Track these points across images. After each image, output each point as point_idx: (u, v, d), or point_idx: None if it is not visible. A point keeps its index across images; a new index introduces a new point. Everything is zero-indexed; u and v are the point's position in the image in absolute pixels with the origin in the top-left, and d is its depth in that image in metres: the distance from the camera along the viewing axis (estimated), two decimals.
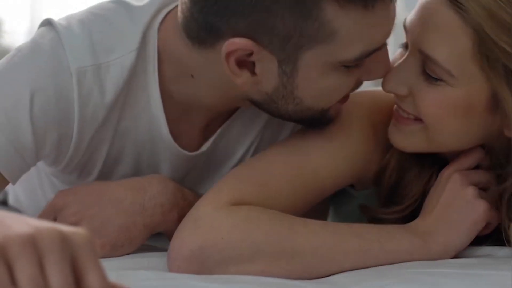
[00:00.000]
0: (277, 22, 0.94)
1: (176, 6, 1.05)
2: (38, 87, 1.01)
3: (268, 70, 0.99)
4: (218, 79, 1.03)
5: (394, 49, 1.09)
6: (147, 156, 1.12)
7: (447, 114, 1.00)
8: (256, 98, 1.03)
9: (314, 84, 1.00)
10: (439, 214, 1.03)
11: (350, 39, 0.96)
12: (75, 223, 1.04)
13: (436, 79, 1.00)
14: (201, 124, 1.12)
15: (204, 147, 1.14)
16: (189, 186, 1.13)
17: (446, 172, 1.06)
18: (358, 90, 1.09)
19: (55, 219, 1.07)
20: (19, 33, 2.73)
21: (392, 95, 1.06)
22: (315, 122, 1.07)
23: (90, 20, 1.05)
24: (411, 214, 1.08)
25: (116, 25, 1.06)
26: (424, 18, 1.00)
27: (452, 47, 0.98)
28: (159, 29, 1.06)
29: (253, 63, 0.98)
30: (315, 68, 0.98)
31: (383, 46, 1.00)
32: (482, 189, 1.05)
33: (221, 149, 1.16)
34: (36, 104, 1.01)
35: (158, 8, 1.07)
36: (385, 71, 1.03)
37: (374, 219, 1.10)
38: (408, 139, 1.05)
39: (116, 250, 1.04)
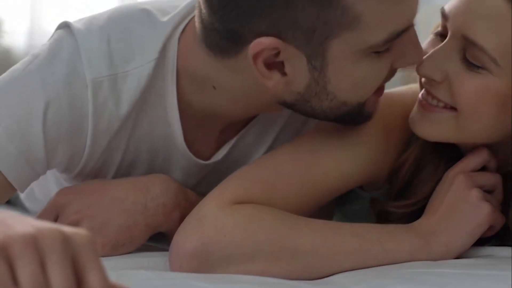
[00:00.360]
0: (298, 15, 0.92)
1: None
2: (52, 97, 1.00)
3: (297, 67, 0.97)
4: (242, 88, 1.01)
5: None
6: (160, 163, 1.11)
7: (485, 103, 0.98)
8: (288, 99, 1.01)
9: (346, 75, 0.97)
10: (442, 214, 1.03)
11: (375, 21, 0.93)
12: (76, 222, 1.04)
13: (478, 67, 0.98)
14: (216, 132, 1.11)
15: (219, 156, 1.13)
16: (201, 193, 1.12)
17: (451, 173, 1.05)
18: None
19: (56, 217, 1.07)
20: (19, 33, 2.73)
21: (407, 95, 1.06)
22: (355, 119, 1.04)
23: (110, 28, 1.04)
24: (419, 210, 1.07)
25: (137, 34, 1.04)
26: (472, 4, 0.98)
27: (501, 36, 0.96)
28: (179, 39, 1.05)
29: (282, 63, 0.97)
30: (344, 58, 0.96)
31: (410, 27, 0.97)
32: (487, 192, 1.04)
33: (236, 158, 1.15)
34: (50, 114, 1.00)
35: (180, 19, 1.05)
36: (419, 55, 1.00)
37: (382, 214, 1.09)
38: (435, 127, 1.03)
39: (117, 249, 1.04)
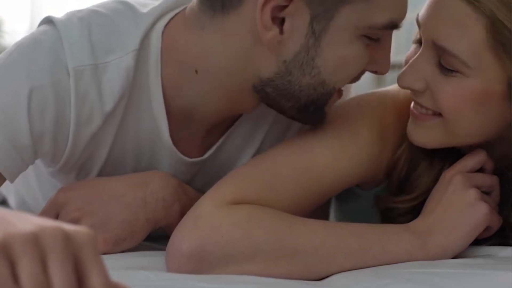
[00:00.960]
0: None
1: (184, 9, 1.05)
2: (36, 84, 1.00)
3: (297, 27, 0.98)
4: (225, 66, 1.02)
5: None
6: (146, 160, 1.12)
7: (465, 105, 1.00)
8: (270, 73, 1.02)
9: (337, 50, 0.99)
10: (439, 215, 1.03)
11: (384, 3, 0.98)
12: (77, 219, 1.05)
13: (452, 71, 0.99)
14: (202, 132, 1.12)
15: (206, 155, 1.14)
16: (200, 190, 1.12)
17: (448, 173, 1.06)
18: (364, 92, 1.09)
19: (57, 216, 1.07)
20: (19, 33, 2.73)
21: (400, 94, 1.07)
22: (314, 115, 1.06)
23: (91, 19, 1.05)
24: (422, 205, 1.08)
25: (118, 26, 1.05)
26: (437, 11, 1.00)
27: (467, 38, 0.97)
28: (163, 32, 1.06)
29: (283, 21, 0.98)
30: (343, 31, 0.98)
31: (395, 28, 1.01)
32: (485, 193, 1.05)
33: (223, 159, 1.15)
34: (34, 101, 1.00)
35: (162, 12, 1.06)
36: (386, 66, 1.04)
37: (387, 211, 1.10)
38: (427, 134, 1.05)
39: (119, 245, 1.05)
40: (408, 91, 1.08)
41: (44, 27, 1.05)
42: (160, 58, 1.05)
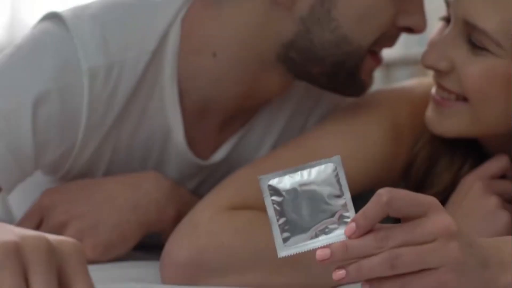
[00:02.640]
0: None
1: None
2: (41, 92, 0.96)
3: None
4: (244, 41, 1.01)
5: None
6: (153, 163, 1.08)
7: (493, 87, 0.97)
8: (289, 33, 1.00)
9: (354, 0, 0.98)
10: (458, 221, 1.00)
11: None
12: (64, 223, 1.01)
13: (482, 49, 0.97)
14: (215, 126, 1.09)
15: (219, 156, 1.11)
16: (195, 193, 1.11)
17: (468, 179, 1.03)
18: (374, 89, 1.07)
19: (41, 220, 1.03)
20: None
21: (416, 90, 1.05)
22: (349, 83, 1.03)
23: (104, 15, 1.01)
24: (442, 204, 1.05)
25: (134, 22, 1.02)
26: None
27: (502, 17, 0.95)
28: (183, 21, 1.03)
29: None
30: None
31: None
32: (507, 201, 1.02)
33: (237, 160, 1.12)
34: (39, 109, 0.96)
35: (183, 2, 1.04)
36: (422, 20, 1.01)
37: None
38: (450, 122, 1.02)
39: (109, 250, 1.01)
40: (425, 86, 1.06)
41: (46, 24, 1.01)
42: (177, 54, 1.03)
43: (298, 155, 1.02)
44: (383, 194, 0.70)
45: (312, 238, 0.72)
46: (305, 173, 0.72)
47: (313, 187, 0.72)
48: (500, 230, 0.98)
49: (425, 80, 1.13)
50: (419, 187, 1.07)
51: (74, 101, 0.98)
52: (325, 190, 0.72)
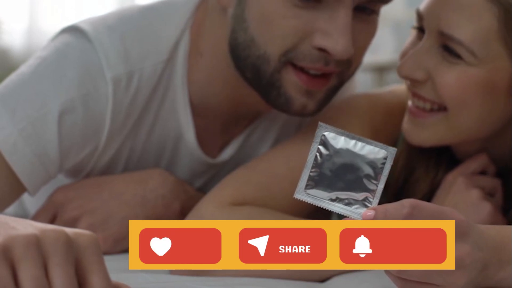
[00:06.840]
0: None
1: None
2: (67, 100, 0.99)
3: None
4: (217, 43, 1.03)
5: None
6: (165, 163, 1.12)
7: (468, 94, 0.98)
8: (229, 33, 1.01)
9: (260, 3, 0.96)
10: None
11: None
12: (76, 218, 1.04)
13: (456, 58, 0.98)
14: (221, 128, 1.12)
15: (226, 154, 1.13)
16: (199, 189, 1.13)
17: (450, 176, 1.05)
18: (356, 93, 1.08)
19: (55, 216, 1.06)
20: (18, 33, 2.73)
21: (394, 100, 1.05)
22: (274, 97, 1.00)
23: (123, 26, 1.04)
24: None
25: (150, 31, 1.04)
26: (444, 0, 0.99)
27: (476, 26, 0.96)
28: (191, 28, 1.06)
29: None
30: None
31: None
32: (487, 194, 1.04)
33: (243, 158, 1.15)
34: (65, 118, 0.99)
35: (193, 7, 1.06)
36: (338, 38, 0.95)
37: None
38: (427, 132, 1.03)
39: (119, 243, 1.04)
40: (403, 97, 1.06)
41: (67, 37, 1.04)
42: (187, 60, 1.06)
43: (289, 155, 1.04)
44: (406, 206, 0.72)
45: (330, 199, 0.73)
46: (359, 144, 0.74)
47: (358, 160, 0.73)
48: (484, 220, 1.00)
49: (397, 87, 1.13)
50: (399, 194, 1.08)
51: (98, 108, 1.01)
52: (366, 170, 0.73)
